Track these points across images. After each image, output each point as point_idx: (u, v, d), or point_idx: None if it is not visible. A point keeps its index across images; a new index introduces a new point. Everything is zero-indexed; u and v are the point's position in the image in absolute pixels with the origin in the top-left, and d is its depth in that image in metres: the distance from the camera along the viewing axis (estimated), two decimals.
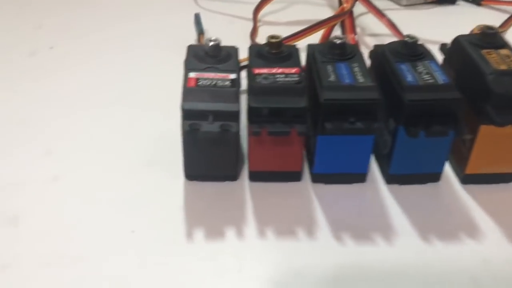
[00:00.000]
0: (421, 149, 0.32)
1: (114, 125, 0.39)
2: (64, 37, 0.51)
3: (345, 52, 0.34)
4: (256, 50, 0.34)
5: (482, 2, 0.59)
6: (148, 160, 0.36)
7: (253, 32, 0.50)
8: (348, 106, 0.30)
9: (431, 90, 0.31)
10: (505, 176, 0.34)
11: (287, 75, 0.32)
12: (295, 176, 0.34)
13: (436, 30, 0.48)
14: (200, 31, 0.48)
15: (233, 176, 0.34)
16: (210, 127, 0.30)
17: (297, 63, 0.33)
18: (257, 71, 0.32)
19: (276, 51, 0.34)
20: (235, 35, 0.50)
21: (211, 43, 0.33)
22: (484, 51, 0.33)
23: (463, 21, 0.56)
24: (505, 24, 0.54)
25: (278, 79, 0.32)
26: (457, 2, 0.60)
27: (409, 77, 0.32)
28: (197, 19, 0.50)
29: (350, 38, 0.47)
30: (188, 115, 0.30)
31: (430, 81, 0.31)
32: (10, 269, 0.28)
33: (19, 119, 0.39)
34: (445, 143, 0.32)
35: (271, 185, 0.34)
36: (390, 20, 0.47)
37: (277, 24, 0.54)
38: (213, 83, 0.32)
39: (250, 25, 0.52)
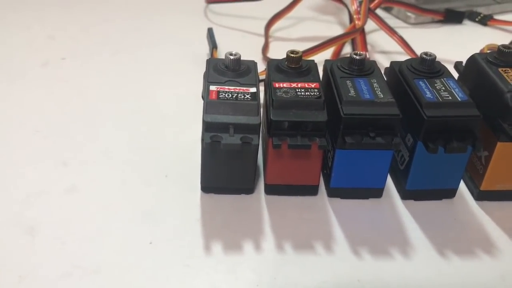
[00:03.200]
0: (438, 165, 0.32)
1: (130, 137, 0.39)
2: (76, 48, 0.51)
3: (364, 68, 0.34)
4: (275, 64, 0.35)
5: (489, 22, 0.60)
6: (163, 172, 0.36)
7: (265, 47, 0.51)
8: (368, 121, 0.31)
9: (450, 107, 0.31)
10: None
11: (307, 89, 0.32)
12: (311, 190, 0.34)
13: (444, 48, 0.48)
14: (214, 45, 0.48)
15: (249, 189, 0.34)
16: (231, 139, 0.30)
17: (316, 77, 0.34)
18: (277, 85, 0.33)
19: (296, 66, 0.34)
20: (247, 50, 0.51)
21: (232, 57, 0.34)
22: (501, 69, 0.34)
23: (469, 41, 0.57)
24: None
25: (298, 94, 0.32)
26: (464, 22, 0.61)
27: (428, 94, 0.32)
28: (210, 33, 0.50)
29: None
30: (209, 127, 0.30)
31: (449, 98, 0.32)
32: (27, 280, 0.28)
33: (33, 130, 0.39)
34: (462, 159, 0.32)
35: (287, 198, 0.34)
36: (401, 37, 0.48)
37: (288, 40, 0.54)
38: (234, 96, 0.32)
39: (261, 40, 0.53)
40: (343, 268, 0.30)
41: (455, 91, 0.32)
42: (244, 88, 0.33)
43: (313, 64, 0.35)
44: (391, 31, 0.48)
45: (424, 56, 0.34)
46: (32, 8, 0.59)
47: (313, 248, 0.31)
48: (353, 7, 0.51)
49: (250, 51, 0.50)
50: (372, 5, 0.50)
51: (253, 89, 0.33)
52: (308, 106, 0.31)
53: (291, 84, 0.33)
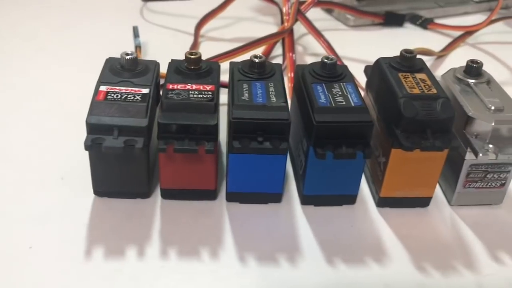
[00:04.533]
0: (333, 170, 0.32)
1: (35, 137, 0.38)
2: (0, 45, 0.50)
3: (264, 71, 0.33)
4: (175, 66, 0.34)
5: (429, 26, 0.59)
6: (61, 174, 0.35)
7: (193, 47, 0.50)
8: (257, 125, 0.30)
9: (342, 112, 0.31)
10: (421, 200, 0.34)
11: (200, 92, 0.32)
12: (209, 195, 0.33)
13: (381, 51, 0.48)
14: (138, 44, 0.47)
15: (144, 193, 0.33)
16: (113, 142, 0.29)
17: (214, 80, 0.33)
18: (171, 86, 0.32)
19: (195, 67, 0.33)
20: (176, 49, 0.50)
21: (127, 57, 0.33)
22: (401, 74, 0.33)
23: (408, 44, 0.56)
24: (447, 48, 0.54)
25: (190, 96, 0.31)
26: (405, 25, 0.60)
27: (322, 99, 0.31)
28: (135, 32, 0.49)
29: (288, 57, 0.47)
30: (92, 129, 0.30)
31: (342, 103, 0.31)
32: None
33: None
34: (357, 165, 0.32)
35: (184, 203, 0.33)
36: (327, 41, 0.47)
37: (220, 40, 0.54)
38: (123, 97, 0.31)
39: (192, 39, 0.52)
40: (225, 276, 0.29)
41: (351, 95, 0.32)
42: (136, 89, 0.32)
43: (216, 66, 0.35)
44: (318, 34, 0.48)
45: (325, 60, 0.34)
46: None
47: (198, 255, 0.30)
48: (285, 9, 0.50)
49: (178, 50, 0.49)
50: (302, 7, 0.49)
51: (146, 90, 0.32)
52: (198, 109, 0.31)
53: (186, 86, 0.32)
